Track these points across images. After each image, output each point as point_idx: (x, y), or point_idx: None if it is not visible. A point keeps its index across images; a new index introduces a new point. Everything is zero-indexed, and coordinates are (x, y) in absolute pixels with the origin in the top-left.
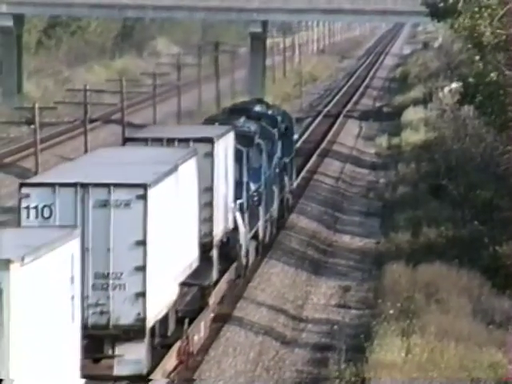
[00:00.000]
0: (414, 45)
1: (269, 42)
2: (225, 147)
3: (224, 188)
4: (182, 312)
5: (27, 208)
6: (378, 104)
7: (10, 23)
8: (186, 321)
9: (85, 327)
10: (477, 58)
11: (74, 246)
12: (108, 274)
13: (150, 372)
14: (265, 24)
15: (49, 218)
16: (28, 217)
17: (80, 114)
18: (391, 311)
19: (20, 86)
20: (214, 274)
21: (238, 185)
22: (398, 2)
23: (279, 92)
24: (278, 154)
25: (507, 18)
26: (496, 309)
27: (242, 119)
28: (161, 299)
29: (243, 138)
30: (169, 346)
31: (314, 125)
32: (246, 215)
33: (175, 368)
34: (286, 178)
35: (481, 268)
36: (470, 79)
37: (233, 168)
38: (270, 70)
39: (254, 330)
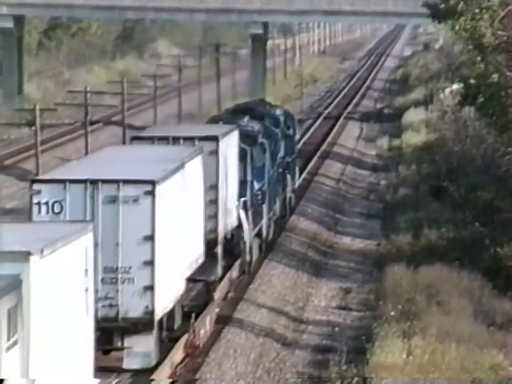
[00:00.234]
0: (415, 46)
1: (269, 43)
2: (229, 146)
3: (228, 186)
4: (188, 307)
5: (38, 204)
6: (378, 105)
7: (10, 25)
8: (193, 315)
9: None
10: (478, 59)
11: (87, 239)
12: (117, 268)
13: (159, 364)
14: (265, 25)
15: (59, 213)
16: (39, 212)
17: (80, 116)
18: (392, 313)
19: (20, 88)
20: (219, 270)
21: (242, 183)
22: (398, 3)
23: (280, 93)
24: (281, 153)
25: (508, 20)
26: (497, 310)
27: (246, 119)
28: (168, 293)
29: (247, 138)
30: (176, 340)
31: (314, 126)
32: (250, 213)
33: (182, 360)
34: (289, 177)
35: (482, 270)
36: (471, 81)
37: (237, 166)
38: (270, 71)
39: (254, 331)
